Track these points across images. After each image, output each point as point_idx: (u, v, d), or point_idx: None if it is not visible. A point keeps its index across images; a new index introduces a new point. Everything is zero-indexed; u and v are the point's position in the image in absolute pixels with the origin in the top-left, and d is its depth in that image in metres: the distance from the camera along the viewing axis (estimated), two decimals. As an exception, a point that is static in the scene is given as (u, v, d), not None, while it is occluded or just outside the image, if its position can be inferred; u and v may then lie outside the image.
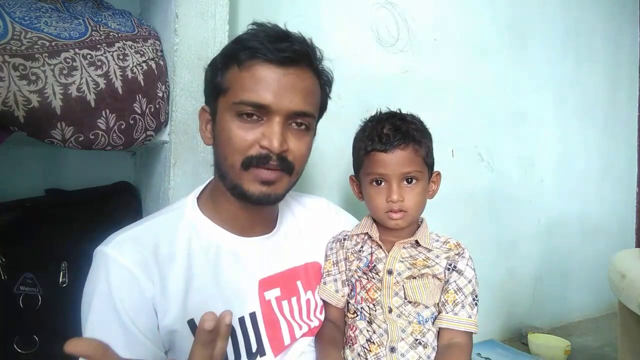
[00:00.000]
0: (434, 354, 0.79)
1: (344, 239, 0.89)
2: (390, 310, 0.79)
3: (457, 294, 0.79)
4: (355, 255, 0.86)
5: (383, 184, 0.81)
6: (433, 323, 0.80)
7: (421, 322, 0.79)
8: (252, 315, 0.76)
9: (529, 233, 1.86)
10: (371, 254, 0.84)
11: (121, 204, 1.06)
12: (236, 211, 0.78)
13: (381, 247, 0.84)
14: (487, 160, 1.75)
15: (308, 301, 0.85)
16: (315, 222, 0.92)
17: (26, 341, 0.85)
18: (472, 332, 0.80)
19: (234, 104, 0.71)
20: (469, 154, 1.70)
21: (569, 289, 2.04)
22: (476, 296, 0.81)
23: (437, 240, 0.85)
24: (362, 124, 0.88)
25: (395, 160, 0.79)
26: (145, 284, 0.66)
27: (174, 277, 0.70)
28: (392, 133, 0.80)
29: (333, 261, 0.88)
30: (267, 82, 0.70)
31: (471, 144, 1.70)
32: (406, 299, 0.79)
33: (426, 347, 0.78)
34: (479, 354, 1.47)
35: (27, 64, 0.74)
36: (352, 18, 1.40)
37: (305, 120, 0.74)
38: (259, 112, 0.70)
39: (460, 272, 0.81)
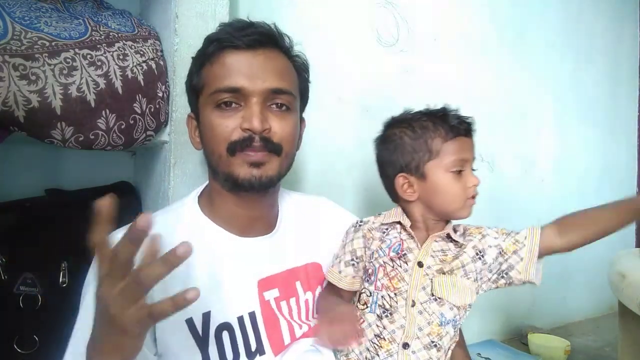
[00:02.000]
0: (444, 357, 0.78)
1: (363, 223, 0.88)
2: (413, 304, 0.77)
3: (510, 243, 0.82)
4: (378, 235, 0.84)
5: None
6: (454, 327, 0.79)
7: (442, 323, 0.77)
8: (252, 315, 0.76)
9: (529, 233, 1.86)
10: (400, 241, 0.83)
11: (121, 204, 1.06)
12: (234, 210, 0.78)
13: (413, 238, 0.82)
14: (487, 160, 1.75)
15: (307, 302, 0.84)
16: (316, 221, 0.92)
17: (26, 341, 0.85)
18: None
19: (210, 95, 0.72)
20: (469, 154, 1.70)
21: (569, 289, 2.03)
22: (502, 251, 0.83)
23: (462, 233, 0.85)
24: None
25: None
26: None
27: (173, 275, 0.69)
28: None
29: (342, 244, 0.87)
30: (238, 67, 0.71)
31: (471, 144, 1.70)
32: (432, 295, 0.77)
33: (439, 350, 0.77)
34: (479, 354, 1.47)
35: (27, 64, 0.74)
36: (352, 18, 1.40)
37: (285, 100, 0.74)
38: (236, 97, 0.71)
39: (484, 252, 0.82)
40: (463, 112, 0.84)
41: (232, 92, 0.71)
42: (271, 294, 0.79)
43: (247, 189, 0.74)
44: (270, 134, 0.72)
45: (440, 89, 1.56)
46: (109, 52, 0.84)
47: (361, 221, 0.88)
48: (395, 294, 0.79)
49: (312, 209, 0.94)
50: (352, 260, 0.84)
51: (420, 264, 0.79)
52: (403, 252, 0.81)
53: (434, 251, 0.81)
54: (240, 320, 0.75)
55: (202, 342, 0.71)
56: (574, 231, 0.82)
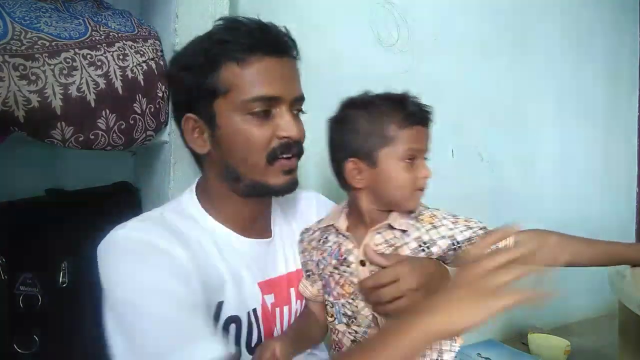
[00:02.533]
0: None
1: (305, 232, 0.88)
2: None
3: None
4: (315, 244, 0.83)
5: None
6: None
7: None
8: (254, 312, 0.76)
9: (529, 233, 1.86)
10: (339, 245, 0.80)
11: (121, 204, 1.06)
12: (240, 209, 0.78)
13: (348, 238, 0.79)
14: (487, 160, 1.75)
15: (296, 312, 0.85)
16: (308, 218, 0.92)
17: (26, 341, 0.85)
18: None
19: (244, 102, 0.70)
20: (469, 154, 1.70)
21: (569, 289, 2.03)
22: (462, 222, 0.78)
23: (414, 219, 0.79)
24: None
25: None
26: (176, 251, 0.65)
27: (198, 264, 0.68)
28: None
29: (302, 249, 0.87)
30: (273, 74, 0.72)
31: (471, 144, 1.70)
32: None
33: None
34: (479, 354, 1.47)
35: (27, 64, 0.74)
36: (352, 18, 1.40)
37: (302, 105, 0.78)
38: (269, 104, 0.72)
39: (432, 243, 0.76)
40: (433, 103, 0.81)
41: (269, 100, 0.71)
42: (268, 299, 0.79)
43: (278, 195, 0.77)
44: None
45: (440, 89, 1.56)
46: (109, 52, 0.84)
47: (305, 230, 0.88)
48: (352, 298, 0.77)
49: (304, 206, 0.94)
50: (307, 272, 0.85)
51: (362, 263, 0.76)
52: (343, 257, 0.79)
53: (376, 245, 0.77)
54: (249, 315, 0.75)
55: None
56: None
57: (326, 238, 0.83)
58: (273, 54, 0.72)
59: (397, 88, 1.41)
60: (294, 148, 0.74)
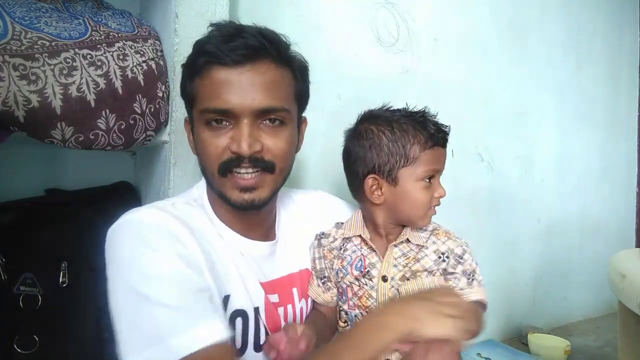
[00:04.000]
0: None
1: (323, 237, 0.87)
2: None
3: (451, 278, 0.78)
4: (335, 253, 0.84)
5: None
6: None
7: None
8: (256, 310, 0.76)
9: (529, 233, 1.86)
10: (362, 257, 0.81)
11: (121, 204, 1.06)
12: (238, 216, 0.78)
13: (375, 251, 0.81)
14: (487, 160, 1.75)
15: (302, 310, 0.85)
16: (314, 218, 0.91)
17: (26, 341, 0.85)
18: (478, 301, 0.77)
19: (200, 112, 0.71)
20: (469, 154, 1.70)
21: (569, 289, 2.03)
22: (473, 272, 0.79)
23: (426, 230, 0.82)
24: None
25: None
26: (187, 239, 0.66)
27: (207, 257, 0.69)
28: None
29: (312, 259, 0.87)
30: (226, 86, 0.68)
31: (471, 144, 1.70)
32: None
33: None
34: (479, 354, 1.47)
35: (27, 64, 0.74)
36: (352, 18, 1.40)
37: (278, 116, 0.71)
38: (225, 116, 0.69)
39: (452, 259, 0.79)
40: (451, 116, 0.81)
41: (220, 113, 0.69)
42: (271, 299, 0.79)
43: (241, 211, 0.74)
44: (262, 153, 0.70)
45: (440, 89, 1.56)
46: (109, 52, 0.84)
47: (322, 234, 0.88)
48: (366, 311, 0.79)
49: (309, 206, 0.94)
50: (322, 278, 0.85)
51: (384, 279, 0.78)
52: (366, 270, 0.80)
53: (395, 258, 0.80)
54: (256, 310, 0.75)
55: None
56: None
57: (345, 247, 0.84)
58: (230, 64, 0.67)
59: (397, 88, 1.42)
60: (245, 163, 0.69)
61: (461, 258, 0.79)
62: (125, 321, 0.60)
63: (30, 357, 0.85)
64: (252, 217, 0.79)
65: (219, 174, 0.71)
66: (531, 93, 1.90)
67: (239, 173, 0.70)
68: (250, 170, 0.70)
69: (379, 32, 1.45)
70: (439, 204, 0.80)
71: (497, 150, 1.77)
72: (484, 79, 1.73)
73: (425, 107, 0.82)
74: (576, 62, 2.08)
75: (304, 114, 0.83)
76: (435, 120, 0.80)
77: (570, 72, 2.06)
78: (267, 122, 0.71)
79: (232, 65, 0.68)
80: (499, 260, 1.77)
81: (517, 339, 1.74)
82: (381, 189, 0.79)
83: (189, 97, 0.74)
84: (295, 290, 0.84)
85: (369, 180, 0.79)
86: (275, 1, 1.25)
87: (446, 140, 0.80)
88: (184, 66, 0.75)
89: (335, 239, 0.86)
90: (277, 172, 0.73)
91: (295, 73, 0.76)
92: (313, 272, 0.87)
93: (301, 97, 0.79)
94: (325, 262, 0.85)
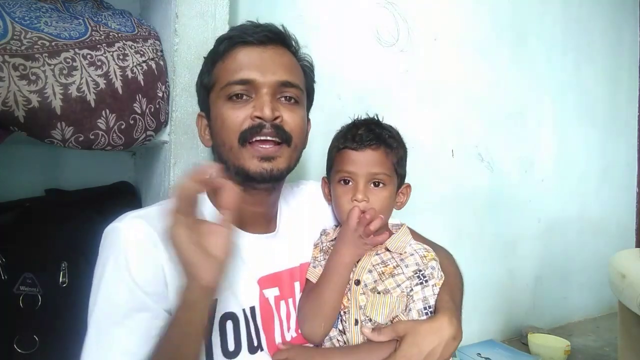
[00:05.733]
0: None
1: (322, 234, 0.89)
2: (357, 322, 0.77)
3: (411, 300, 0.76)
4: (330, 251, 0.84)
5: (350, 183, 0.80)
6: None
7: None
8: (252, 310, 0.76)
9: (529, 233, 1.86)
10: None
11: (121, 204, 1.06)
12: (240, 205, 0.77)
13: None
14: (487, 160, 1.75)
15: None
16: (312, 208, 0.92)
17: (26, 341, 0.85)
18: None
19: (222, 89, 0.74)
20: (469, 154, 1.70)
21: (569, 289, 2.04)
22: (429, 306, 0.77)
23: (411, 245, 0.81)
24: (341, 127, 0.87)
25: (364, 160, 0.79)
26: (157, 254, 0.67)
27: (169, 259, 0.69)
28: (366, 133, 0.80)
29: (320, 249, 0.87)
30: (249, 60, 0.74)
31: (471, 144, 1.70)
32: (367, 315, 0.76)
33: None
34: (479, 354, 1.47)
35: (27, 64, 0.74)
36: (352, 18, 1.40)
37: (293, 93, 0.76)
38: (247, 89, 0.73)
39: (423, 283, 0.77)
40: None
41: (243, 84, 0.73)
42: (271, 292, 0.79)
43: (259, 182, 0.74)
44: (282, 122, 0.73)
45: (440, 89, 1.56)
46: (109, 52, 0.84)
47: (324, 231, 0.90)
48: (344, 311, 0.78)
49: (306, 195, 0.95)
50: (320, 267, 0.85)
51: (357, 282, 0.78)
52: None
53: (373, 265, 0.79)
54: (245, 312, 0.75)
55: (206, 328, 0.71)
56: None
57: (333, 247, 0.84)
58: (254, 43, 0.74)
59: (397, 88, 1.41)
60: (267, 129, 0.71)
61: (427, 281, 0.77)
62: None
63: (30, 357, 0.85)
64: (260, 204, 0.80)
65: (239, 144, 0.72)
66: (531, 93, 1.91)
67: (259, 140, 0.72)
68: (270, 137, 0.72)
69: (379, 32, 1.45)
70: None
71: (497, 150, 1.77)
72: (484, 79, 1.73)
73: (374, 115, 0.86)
74: (576, 62, 2.08)
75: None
76: (368, 124, 0.82)
77: (570, 72, 2.06)
78: (284, 99, 0.76)
79: (256, 44, 0.74)
80: (499, 260, 1.77)
81: (517, 339, 1.75)
82: (329, 191, 0.86)
83: (208, 86, 0.77)
84: (297, 285, 0.84)
85: (321, 181, 0.89)
86: (275, 1, 1.25)
87: (364, 144, 0.79)
88: (205, 59, 0.80)
89: (335, 238, 0.86)
90: (293, 146, 0.76)
91: (305, 69, 0.82)
92: (315, 259, 0.86)
93: (309, 93, 0.83)
94: (326, 256, 0.85)
